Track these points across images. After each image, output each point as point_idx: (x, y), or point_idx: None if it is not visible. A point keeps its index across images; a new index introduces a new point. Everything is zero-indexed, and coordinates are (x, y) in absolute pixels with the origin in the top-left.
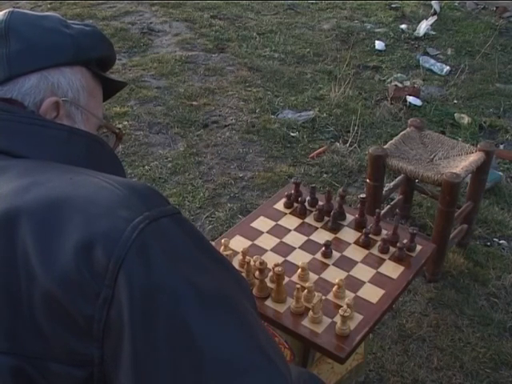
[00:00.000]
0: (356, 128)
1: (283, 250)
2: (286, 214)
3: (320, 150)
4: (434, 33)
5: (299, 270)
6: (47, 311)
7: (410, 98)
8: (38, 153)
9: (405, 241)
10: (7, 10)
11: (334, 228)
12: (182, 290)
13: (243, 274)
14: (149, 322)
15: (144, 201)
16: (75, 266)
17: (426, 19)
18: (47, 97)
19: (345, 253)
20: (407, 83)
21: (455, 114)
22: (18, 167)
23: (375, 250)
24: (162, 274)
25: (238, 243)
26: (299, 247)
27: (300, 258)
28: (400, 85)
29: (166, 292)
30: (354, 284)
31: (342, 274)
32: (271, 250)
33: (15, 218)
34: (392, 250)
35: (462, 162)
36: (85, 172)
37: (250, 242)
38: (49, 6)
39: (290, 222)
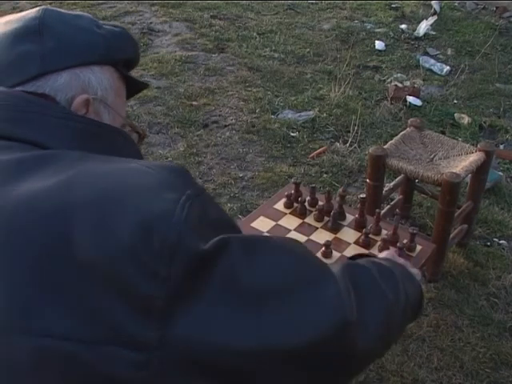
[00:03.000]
0: (356, 128)
1: None
2: (286, 214)
3: (320, 150)
4: (433, 33)
5: None
6: (105, 293)
7: (410, 98)
8: (69, 146)
9: (405, 241)
10: (41, 8)
11: (334, 228)
12: (235, 250)
13: None
14: (206, 283)
15: (183, 181)
16: (135, 249)
17: (426, 19)
18: (78, 94)
19: (345, 253)
20: (407, 83)
21: (455, 114)
22: (58, 158)
23: (375, 250)
24: (213, 240)
25: None
26: None
27: None
28: (400, 85)
29: (220, 255)
30: None
31: None
32: None
33: (67, 214)
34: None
35: (462, 161)
36: (122, 160)
37: None
38: (49, 5)
39: (290, 222)
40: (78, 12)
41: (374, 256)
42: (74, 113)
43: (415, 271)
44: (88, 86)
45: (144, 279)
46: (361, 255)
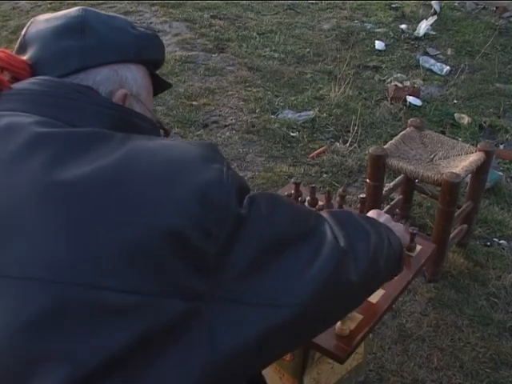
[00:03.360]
0: (356, 128)
1: None
2: None
3: (320, 150)
4: (434, 33)
5: None
6: (166, 248)
7: (410, 98)
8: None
9: None
10: (81, 7)
11: None
12: (258, 205)
13: None
14: (242, 235)
15: (218, 153)
16: (192, 211)
17: (426, 19)
18: (116, 89)
19: None
20: (407, 83)
21: (455, 114)
22: (108, 141)
23: None
24: (246, 200)
25: None
26: None
27: None
28: (400, 85)
29: (250, 212)
30: None
31: None
32: None
33: (131, 181)
34: None
35: (462, 161)
36: (163, 138)
37: None
38: (49, 5)
39: None
40: (113, 14)
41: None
42: (118, 103)
43: (400, 227)
44: (125, 82)
45: (200, 237)
46: None
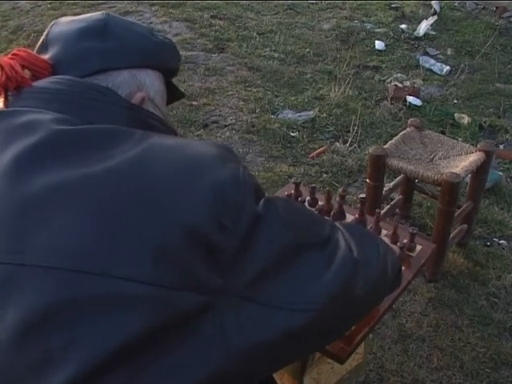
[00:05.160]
0: (356, 128)
1: None
2: None
3: (320, 149)
4: (434, 33)
5: None
6: (186, 242)
7: (410, 98)
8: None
9: (405, 241)
10: (104, 12)
11: None
12: (276, 207)
13: None
14: (258, 236)
15: (233, 154)
16: (210, 206)
17: (426, 19)
18: (135, 91)
19: None
20: (407, 83)
21: (455, 114)
22: (129, 137)
23: None
24: (261, 199)
25: None
26: None
27: None
28: (400, 85)
29: (268, 213)
30: None
31: None
32: None
33: (155, 179)
34: None
35: (462, 161)
36: (181, 137)
37: None
38: (49, 5)
39: None
40: (135, 21)
41: None
42: (136, 105)
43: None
44: (143, 85)
45: (216, 232)
46: None
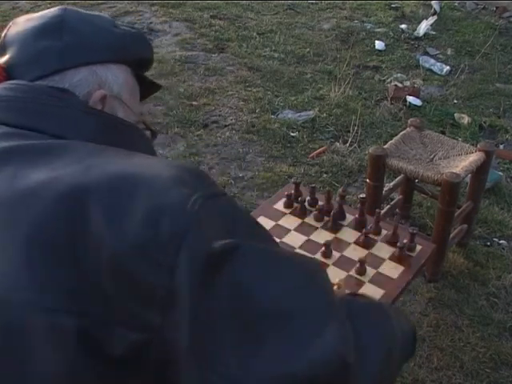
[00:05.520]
0: (356, 128)
1: None
2: (285, 213)
3: (320, 149)
4: (434, 33)
5: None
6: (113, 275)
7: (410, 98)
8: (89, 139)
9: (405, 241)
10: (61, 7)
11: (334, 228)
12: (243, 256)
13: None
14: (209, 288)
15: (200, 180)
16: (142, 236)
17: (426, 19)
18: (95, 90)
19: (345, 253)
20: (407, 83)
21: (455, 114)
22: (76, 150)
23: (375, 250)
24: (222, 244)
25: None
26: (299, 247)
27: None
28: (400, 85)
29: (227, 259)
30: (354, 284)
31: (342, 274)
32: None
33: (83, 194)
34: (392, 249)
35: (462, 161)
36: (138, 154)
37: None
38: (49, 5)
39: (290, 221)
40: (96, 12)
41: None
42: (94, 107)
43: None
44: (105, 82)
45: (149, 268)
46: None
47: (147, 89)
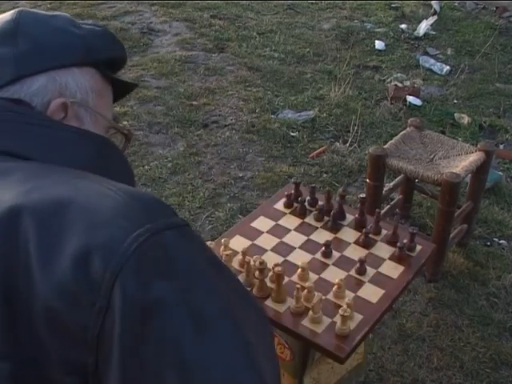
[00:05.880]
0: (356, 128)
1: (283, 249)
2: (285, 213)
3: (320, 149)
4: (433, 33)
5: (299, 269)
6: (45, 319)
7: (410, 98)
8: (44, 154)
9: (405, 241)
10: (16, 10)
11: (334, 228)
12: (177, 309)
13: (243, 274)
14: (139, 337)
15: (148, 212)
16: (72, 276)
17: (426, 19)
18: (54, 98)
19: (345, 253)
20: (407, 83)
21: (455, 114)
22: (22, 170)
23: (375, 250)
24: (157, 290)
25: (238, 243)
26: (299, 247)
27: (300, 257)
28: (400, 85)
29: (160, 310)
30: (354, 284)
31: (342, 274)
32: (271, 249)
33: (18, 215)
34: (392, 249)
35: (462, 161)
36: (89, 177)
37: (249, 242)
38: (49, 5)
39: (290, 221)
40: (55, 12)
41: None
42: (50, 119)
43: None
44: (66, 88)
45: (78, 309)
46: None
47: (122, 89)
